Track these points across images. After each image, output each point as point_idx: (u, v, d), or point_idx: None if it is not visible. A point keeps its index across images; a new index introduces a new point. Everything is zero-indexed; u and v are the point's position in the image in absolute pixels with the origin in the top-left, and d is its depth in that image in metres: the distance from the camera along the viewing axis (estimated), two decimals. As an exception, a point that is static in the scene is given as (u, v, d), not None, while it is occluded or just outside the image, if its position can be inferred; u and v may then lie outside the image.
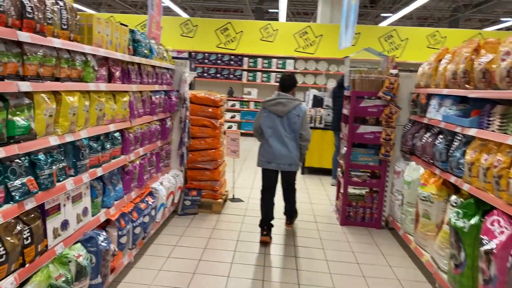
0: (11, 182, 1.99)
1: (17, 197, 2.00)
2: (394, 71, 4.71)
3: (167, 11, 16.58)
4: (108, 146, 3.07)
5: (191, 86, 6.04)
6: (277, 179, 4.46)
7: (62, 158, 2.49)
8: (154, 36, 7.66)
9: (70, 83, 2.47)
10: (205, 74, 12.66)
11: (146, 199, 3.82)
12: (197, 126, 5.02)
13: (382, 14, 16.74)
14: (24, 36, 1.98)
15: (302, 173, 7.62)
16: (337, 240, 4.50)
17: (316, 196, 6.21)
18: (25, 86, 2.02)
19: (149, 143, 4.03)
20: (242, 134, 12.91)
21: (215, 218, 4.91)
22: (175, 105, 4.64)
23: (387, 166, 4.87)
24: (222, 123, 5.29)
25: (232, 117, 12.61)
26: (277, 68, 12.49)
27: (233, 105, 12.58)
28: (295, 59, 12.53)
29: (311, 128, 5.77)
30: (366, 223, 4.98)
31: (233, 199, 5.65)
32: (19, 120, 2.00)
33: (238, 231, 4.56)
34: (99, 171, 2.90)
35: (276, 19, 16.59)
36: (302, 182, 6.84)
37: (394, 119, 4.67)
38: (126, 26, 3.38)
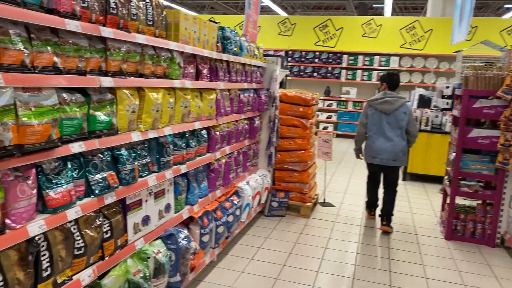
0: (92, 176, 2.03)
1: (97, 191, 2.04)
2: (519, 65, 4.01)
3: (267, 10, 16.77)
4: (193, 143, 3.06)
5: (282, 85, 5.90)
6: (381, 175, 4.74)
7: (146, 154, 2.51)
8: (251, 35, 7.70)
9: (154, 79, 2.48)
10: (302, 73, 12.47)
11: (231, 198, 3.76)
12: (287, 126, 4.85)
13: (505, 6, 14.82)
14: (107, 31, 2.00)
15: (404, 179, 7.01)
16: (441, 257, 3.97)
17: (418, 205, 5.62)
18: (107, 81, 2.04)
19: (236, 141, 3.97)
20: (339, 136, 12.51)
21: (303, 222, 4.69)
22: (264, 103, 4.53)
23: (505, 176, 4.17)
24: (313, 123, 5.05)
25: (328, 117, 12.23)
26: (380, 65, 11.78)
27: (329, 105, 12.20)
28: (401, 56, 11.69)
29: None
30: (477, 240, 4.33)
31: (324, 204, 5.38)
32: (101, 115, 2.03)
33: (327, 238, 4.29)
34: (183, 168, 2.89)
35: (381, 15, 15.71)
36: (403, 189, 6.27)
37: (517, 122, 3.96)
38: (216, 23, 3.35)
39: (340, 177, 6.99)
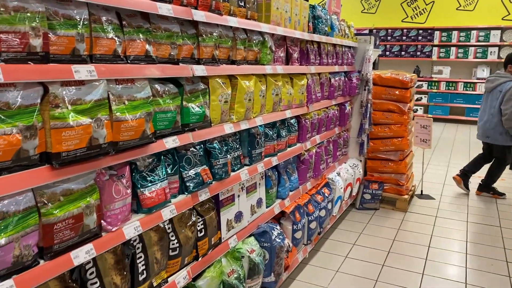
0: (186, 172, 1.90)
1: (191, 188, 1.90)
2: None
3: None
4: (283, 133, 2.84)
5: (375, 66, 5.45)
6: (488, 148, 4.89)
7: (238, 146, 2.34)
8: (334, 13, 7.28)
9: (246, 66, 2.28)
10: (388, 53, 11.64)
11: (323, 190, 3.50)
12: (381, 111, 4.43)
13: None
14: (199, 15, 1.83)
15: None
16: None
17: (534, 200, 4.89)
18: (200, 70, 1.88)
19: (326, 130, 3.69)
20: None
21: (399, 216, 4.29)
22: (355, 87, 4.16)
23: None
24: (411, 108, 4.57)
25: (418, 99, 11.30)
26: (477, 41, 10.57)
27: (419, 86, 11.26)
28: (503, 29, 10.37)
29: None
30: None
31: (421, 195, 4.89)
32: (194, 107, 1.88)
33: (429, 235, 3.86)
34: (274, 160, 2.69)
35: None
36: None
37: None
38: (307, 0, 3.06)
39: (437, 166, 6.36)
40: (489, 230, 3.99)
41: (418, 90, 11.28)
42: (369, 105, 4.28)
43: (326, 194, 3.50)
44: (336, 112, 3.93)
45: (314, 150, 3.42)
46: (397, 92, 4.32)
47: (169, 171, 1.83)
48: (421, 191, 4.97)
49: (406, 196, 4.42)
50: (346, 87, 4.06)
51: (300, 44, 3.07)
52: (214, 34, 1.99)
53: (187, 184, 1.90)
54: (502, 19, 10.47)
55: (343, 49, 3.95)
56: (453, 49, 10.86)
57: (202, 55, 1.92)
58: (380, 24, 11.72)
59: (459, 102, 10.86)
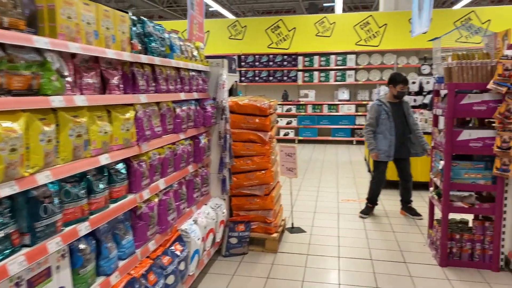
0: None
1: None
2: (511, 52, 3.34)
3: (217, 15, 15.88)
4: (101, 186, 2.09)
5: (232, 92, 5.01)
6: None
7: (6, 220, 1.52)
8: (197, 38, 6.79)
9: (5, 98, 1.50)
10: (257, 78, 11.66)
11: (172, 248, 2.80)
12: (242, 142, 3.95)
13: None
14: None
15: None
16: (441, 293, 3.20)
17: (400, 221, 4.88)
18: None
19: (175, 170, 3.03)
20: (300, 141, 11.76)
21: (269, 259, 3.80)
22: (211, 117, 3.61)
23: (505, 185, 3.48)
24: (273, 136, 4.18)
25: (288, 123, 11.48)
26: (336, 65, 11.18)
27: (288, 110, 11.45)
28: (357, 53, 11.15)
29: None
30: (477, 263, 3.61)
31: (292, 229, 4.51)
32: None
33: (301, 280, 3.41)
34: (83, 228, 1.91)
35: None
36: (380, 202, 5.53)
37: (516, 119, 3.29)
38: (126, 12, 2.40)
39: (308, 192, 6.17)
40: (361, 265, 3.71)
41: (288, 113, 11.45)
42: (227, 135, 3.76)
43: (177, 252, 2.80)
44: (189, 147, 3.30)
45: (156, 200, 2.72)
46: (257, 120, 3.90)
47: None
48: (292, 224, 4.60)
49: (275, 235, 3.96)
50: (199, 117, 3.48)
51: (123, 67, 2.39)
52: None
53: None
54: (356, 44, 11.26)
55: (191, 73, 3.37)
56: (316, 73, 11.32)
57: None
58: (248, 50, 11.72)
59: (325, 123, 11.28)
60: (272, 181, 3.99)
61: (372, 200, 5.05)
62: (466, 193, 3.72)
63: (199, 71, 3.56)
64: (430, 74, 8.65)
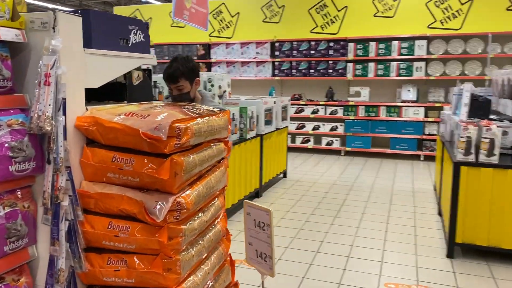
0: None
1: None
2: None
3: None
4: None
5: (138, 92, 2.64)
6: None
7: None
8: (190, 15, 4.81)
9: None
10: (294, 71, 9.21)
11: None
12: (107, 218, 1.65)
13: None
14: None
15: (450, 254, 3.71)
16: None
17: None
18: None
19: None
20: (348, 153, 9.03)
21: None
22: (10, 158, 1.37)
23: None
24: (203, 208, 1.81)
25: (333, 129, 8.90)
26: (400, 54, 8.41)
27: (333, 113, 8.87)
28: (429, 38, 8.30)
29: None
30: None
31: None
32: None
33: None
34: None
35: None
36: (449, 273, 2.98)
37: None
38: None
39: (331, 258, 3.71)
40: None
41: (333, 117, 8.90)
42: (67, 202, 1.50)
43: None
44: None
45: None
46: (147, 167, 1.58)
47: None
48: None
49: None
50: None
51: None
52: None
53: None
54: (428, 26, 8.42)
55: None
56: (371, 64, 8.61)
57: None
58: (285, 36, 9.34)
59: (382, 131, 8.58)
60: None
61: None
62: None
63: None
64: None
